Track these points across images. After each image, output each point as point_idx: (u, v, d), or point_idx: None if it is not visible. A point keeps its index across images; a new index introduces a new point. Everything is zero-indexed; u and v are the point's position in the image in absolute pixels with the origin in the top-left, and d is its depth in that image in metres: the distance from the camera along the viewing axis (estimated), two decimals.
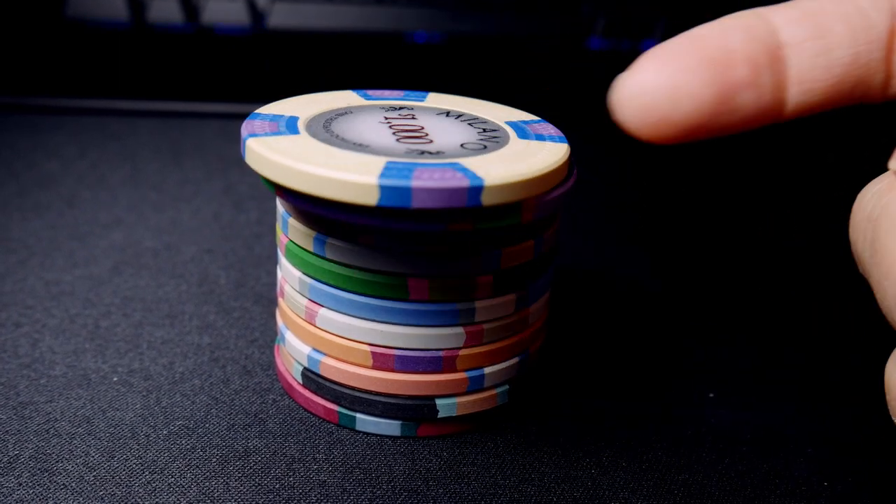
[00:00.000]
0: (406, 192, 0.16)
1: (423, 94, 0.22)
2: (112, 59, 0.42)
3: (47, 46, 0.42)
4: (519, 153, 0.18)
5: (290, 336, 0.21)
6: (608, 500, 0.18)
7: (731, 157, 0.39)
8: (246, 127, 0.19)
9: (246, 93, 0.42)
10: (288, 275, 0.20)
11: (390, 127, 0.19)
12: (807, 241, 0.31)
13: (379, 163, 0.17)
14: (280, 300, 0.21)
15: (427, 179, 0.16)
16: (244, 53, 0.42)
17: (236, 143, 0.38)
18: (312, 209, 0.17)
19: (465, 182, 0.16)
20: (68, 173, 0.34)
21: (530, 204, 0.17)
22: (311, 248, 0.19)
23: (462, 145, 0.19)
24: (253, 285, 0.26)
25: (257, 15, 0.43)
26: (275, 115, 0.20)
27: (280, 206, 0.20)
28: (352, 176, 0.16)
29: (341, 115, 0.20)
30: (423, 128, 0.19)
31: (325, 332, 0.20)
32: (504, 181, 0.17)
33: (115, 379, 0.21)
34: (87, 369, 0.22)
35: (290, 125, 0.19)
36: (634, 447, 0.20)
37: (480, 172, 0.17)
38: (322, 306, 0.20)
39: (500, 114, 0.21)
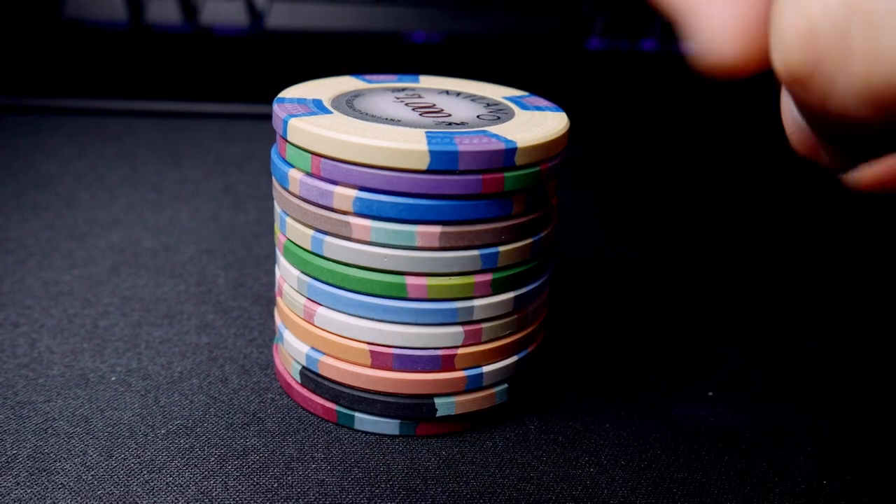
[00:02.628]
0: (454, 155, 0.17)
1: (415, 76, 0.23)
2: (110, 59, 0.42)
3: (46, 47, 0.42)
4: (531, 121, 0.20)
5: (288, 335, 0.21)
6: (607, 499, 0.18)
7: (731, 156, 0.39)
8: (281, 110, 0.19)
9: (244, 93, 0.42)
10: (286, 274, 0.20)
11: (406, 105, 0.20)
12: (808, 239, 0.31)
13: (419, 133, 0.18)
14: (278, 299, 0.21)
15: (469, 144, 0.18)
16: (243, 54, 0.42)
17: (235, 143, 0.38)
18: (350, 179, 0.18)
19: (500, 145, 0.18)
20: (67, 174, 0.34)
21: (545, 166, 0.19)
22: (309, 247, 0.19)
23: (478, 117, 0.20)
24: (251, 285, 0.26)
25: (256, 15, 0.43)
26: (299, 99, 0.20)
27: (277, 206, 0.20)
28: (404, 144, 0.17)
29: (357, 96, 0.21)
30: (435, 104, 0.21)
31: (323, 331, 0.20)
32: (532, 143, 0.18)
33: (113, 378, 0.21)
34: (85, 369, 0.22)
35: (319, 106, 0.20)
36: (633, 446, 0.20)
37: (510, 137, 0.18)
38: (320, 305, 0.20)
39: (490, 91, 0.22)
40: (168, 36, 0.42)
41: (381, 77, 0.23)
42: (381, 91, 0.21)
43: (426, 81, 0.23)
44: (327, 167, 0.18)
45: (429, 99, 0.21)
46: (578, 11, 0.46)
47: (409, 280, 0.19)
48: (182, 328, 0.24)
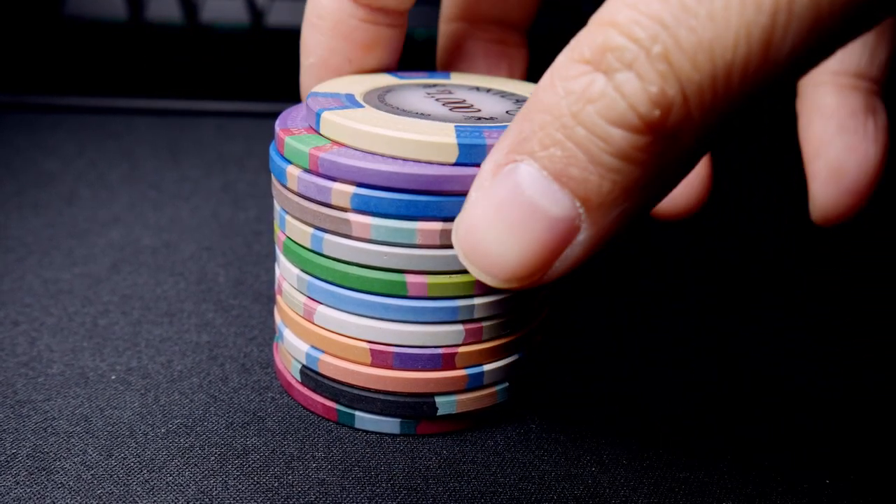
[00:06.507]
0: (481, 149, 0.18)
1: (446, 74, 0.24)
2: (110, 56, 0.42)
3: (45, 44, 0.42)
4: None
5: (288, 334, 0.21)
6: (609, 498, 0.18)
7: (729, 153, 0.39)
8: (314, 103, 0.20)
9: (245, 91, 0.42)
10: (286, 272, 0.20)
11: (436, 100, 0.21)
12: (810, 237, 0.31)
13: (448, 127, 0.18)
14: (278, 298, 0.21)
15: (496, 138, 0.18)
16: (243, 52, 0.42)
17: (235, 141, 0.38)
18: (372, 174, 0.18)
19: None
20: (67, 171, 0.34)
21: None
22: (308, 245, 0.19)
23: (507, 112, 0.20)
24: (252, 283, 0.26)
25: (256, 13, 0.43)
26: (333, 93, 0.20)
27: (276, 204, 0.20)
28: (434, 137, 0.18)
29: (388, 91, 0.21)
30: (465, 100, 0.21)
31: (323, 329, 0.20)
32: None
33: (113, 377, 0.21)
34: (85, 367, 0.22)
35: (351, 100, 0.20)
36: (635, 445, 0.20)
37: None
38: (320, 303, 0.19)
39: (520, 88, 0.22)
40: (168, 34, 0.42)
41: (413, 73, 0.23)
42: (413, 87, 0.22)
43: (457, 78, 0.23)
44: (325, 163, 0.18)
45: (459, 95, 0.21)
46: (579, 11, 0.46)
47: (410, 278, 0.18)
48: (182, 326, 0.24)
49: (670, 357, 0.24)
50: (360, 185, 0.18)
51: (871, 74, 0.23)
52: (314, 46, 0.22)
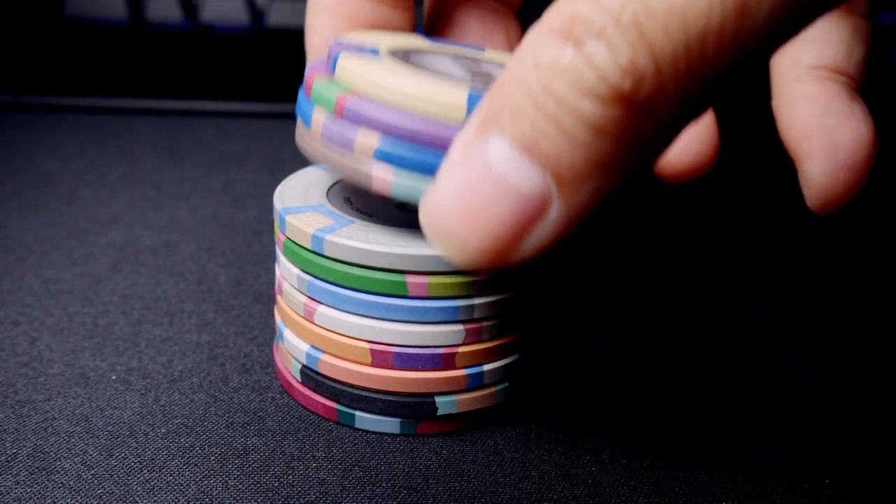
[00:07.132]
0: None
1: (481, 48, 0.23)
2: (111, 57, 0.42)
3: (46, 44, 0.42)
4: None
5: (288, 334, 0.21)
6: (609, 498, 0.18)
7: (729, 154, 0.39)
8: (335, 48, 0.19)
9: (245, 91, 0.41)
10: (286, 272, 0.20)
11: (461, 66, 0.20)
12: (810, 237, 0.31)
13: (463, 88, 0.17)
14: (278, 298, 0.21)
15: None
16: (243, 52, 0.42)
17: (235, 141, 0.38)
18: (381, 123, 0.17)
19: None
20: (67, 171, 0.34)
21: None
22: (308, 245, 0.19)
23: None
24: (252, 283, 0.26)
25: (257, 13, 0.43)
26: (358, 44, 0.19)
27: (277, 204, 0.20)
28: (444, 96, 0.17)
29: (415, 52, 0.20)
30: (490, 73, 0.20)
31: (323, 329, 0.20)
32: None
33: (113, 377, 0.21)
34: (85, 367, 0.22)
35: (375, 53, 0.19)
36: (635, 445, 0.20)
37: None
38: (321, 303, 0.19)
39: None
40: (168, 34, 0.42)
41: (449, 41, 0.22)
42: (440, 53, 0.21)
43: (491, 54, 0.22)
44: (350, 110, 0.17)
45: (486, 69, 0.20)
46: None
47: (410, 278, 0.18)
48: (182, 326, 0.24)
49: (670, 357, 0.24)
50: (384, 134, 0.17)
51: (848, 72, 0.22)
52: (319, 26, 0.22)
